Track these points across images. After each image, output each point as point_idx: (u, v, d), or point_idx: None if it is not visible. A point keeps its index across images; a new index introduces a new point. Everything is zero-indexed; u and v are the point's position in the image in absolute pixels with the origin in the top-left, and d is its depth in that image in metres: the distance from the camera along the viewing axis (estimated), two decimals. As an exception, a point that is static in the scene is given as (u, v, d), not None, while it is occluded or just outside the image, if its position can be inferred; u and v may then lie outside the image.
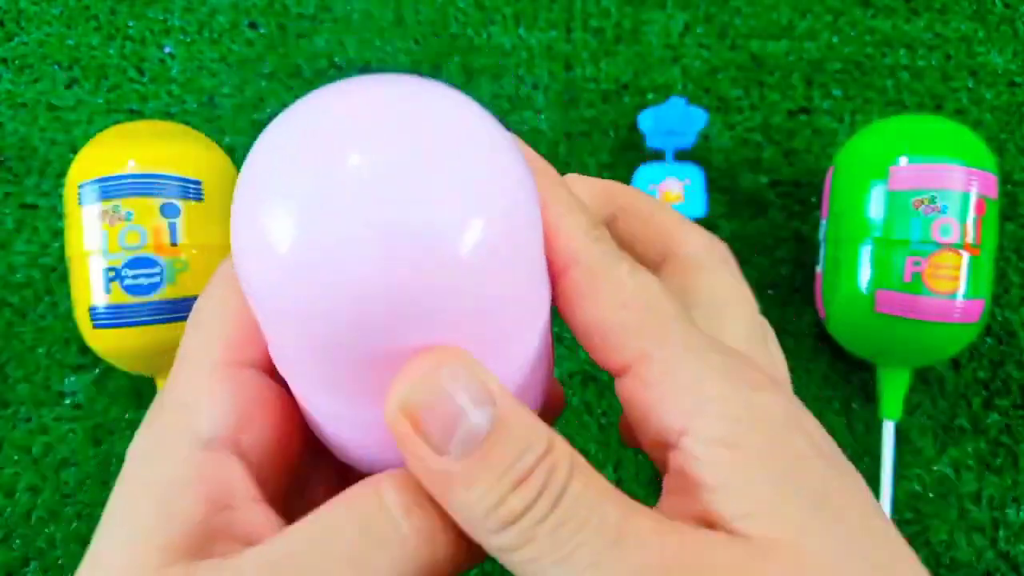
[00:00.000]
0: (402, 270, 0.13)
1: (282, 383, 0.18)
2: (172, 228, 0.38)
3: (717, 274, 0.21)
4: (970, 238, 0.38)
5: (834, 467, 0.16)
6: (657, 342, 0.16)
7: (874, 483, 0.44)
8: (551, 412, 0.24)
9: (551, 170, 0.19)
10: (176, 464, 0.16)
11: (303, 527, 0.15)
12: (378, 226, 0.13)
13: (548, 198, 0.18)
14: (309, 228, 0.13)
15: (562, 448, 0.15)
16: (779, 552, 0.14)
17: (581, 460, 0.15)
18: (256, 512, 0.16)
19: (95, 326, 0.38)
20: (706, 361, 0.16)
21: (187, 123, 0.47)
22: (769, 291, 0.48)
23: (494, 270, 0.14)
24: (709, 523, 0.15)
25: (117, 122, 0.45)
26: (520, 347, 0.17)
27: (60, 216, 0.47)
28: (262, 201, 0.14)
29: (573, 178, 0.23)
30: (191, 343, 0.18)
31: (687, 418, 0.16)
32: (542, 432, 0.15)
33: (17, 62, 0.49)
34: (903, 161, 0.39)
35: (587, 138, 0.50)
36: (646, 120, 0.46)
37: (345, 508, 0.16)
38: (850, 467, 0.16)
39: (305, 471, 0.20)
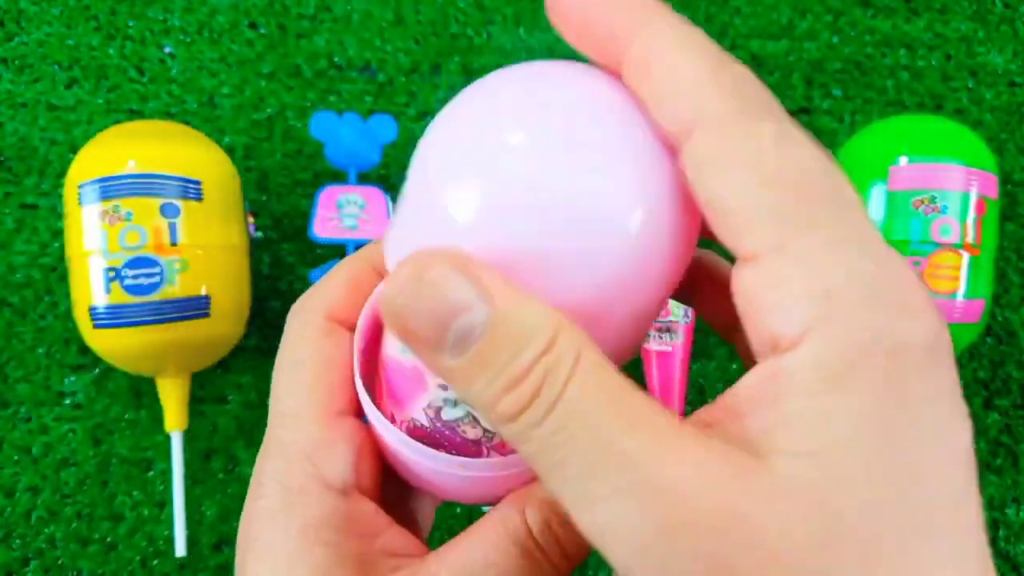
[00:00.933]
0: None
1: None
2: (172, 228, 0.38)
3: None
4: (970, 238, 0.38)
5: (936, 428, 0.14)
6: (797, 232, 0.14)
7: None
8: None
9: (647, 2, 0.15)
10: (323, 510, 0.18)
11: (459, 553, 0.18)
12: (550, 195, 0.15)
13: (654, 39, 0.15)
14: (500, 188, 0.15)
15: (566, 344, 0.14)
16: (798, 497, 0.13)
17: (590, 357, 0.14)
18: (397, 535, 0.19)
19: (95, 326, 0.38)
20: (852, 267, 0.13)
21: (187, 123, 0.47)
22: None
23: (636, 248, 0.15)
24: (754, 448, 0.14)
25: (117, 122, 0.45)
26: (631, 329, 0.17)
27: (60, 216, 0.47)
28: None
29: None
30: (294, 397, 0.20)
31: (801, 333, 0.13)
32: (544, 327, 0.14)
33: (17, 62, 0.49)
34: (903, 161, 0.39)
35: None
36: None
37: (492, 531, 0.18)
38: (959, 426, 0.14)
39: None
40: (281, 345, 0.20)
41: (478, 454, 0.18)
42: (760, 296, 0.14)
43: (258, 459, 0.19)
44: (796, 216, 0.14)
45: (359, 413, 0.20)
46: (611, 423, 0.14)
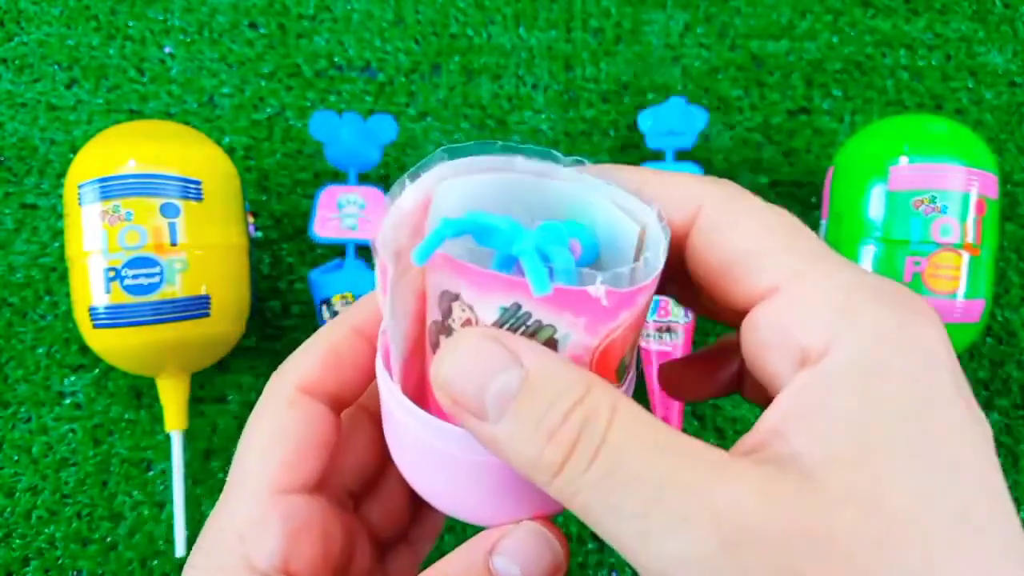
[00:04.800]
0: None
1: (331, 496, 0.20)
2: (172, 228, 0.38)
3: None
4: (970, 238, 0.38)
5: (963, 419, 0.15)
6: (810, 260, 0.16)
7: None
8: None
9: (623, 169, 0.19)
10: None
11: None
12: None
13: (643, 176, 0.18)
14: None
15: (601, 395, 0.15)
16: (854, 502, 0.14)
17: (625, 406, 0.15)
18: None
19: (95, 326, 0.38)
20: (862, 282, 0.16)
21: (187, 123, 0.47)
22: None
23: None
24: (803, 463, 0.14)
25: (117, 122, 0.45)
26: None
27: (60, 216, 0.47)
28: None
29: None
30: (245, 466, 0.20)
31: (829, 340, 0.15)
32: (577, 381, 0.15)
33: (17, 62, 0.49)
34: (903, 161, 0.39)
35: (587, 138, 0.50)
36: (646, 120, 0.46)
37: None
38: (980, 417, 0.15)
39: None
40: (254, 409, 0.20)
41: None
42: (785, 320, 0.16)
43: (207, 521, 0.20)
44: (805, 250, 0.16)
45: (316, 489, 0.20)
46: (665, 460, 0.14)
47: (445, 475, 0.19)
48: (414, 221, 0.18)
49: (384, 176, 0.49)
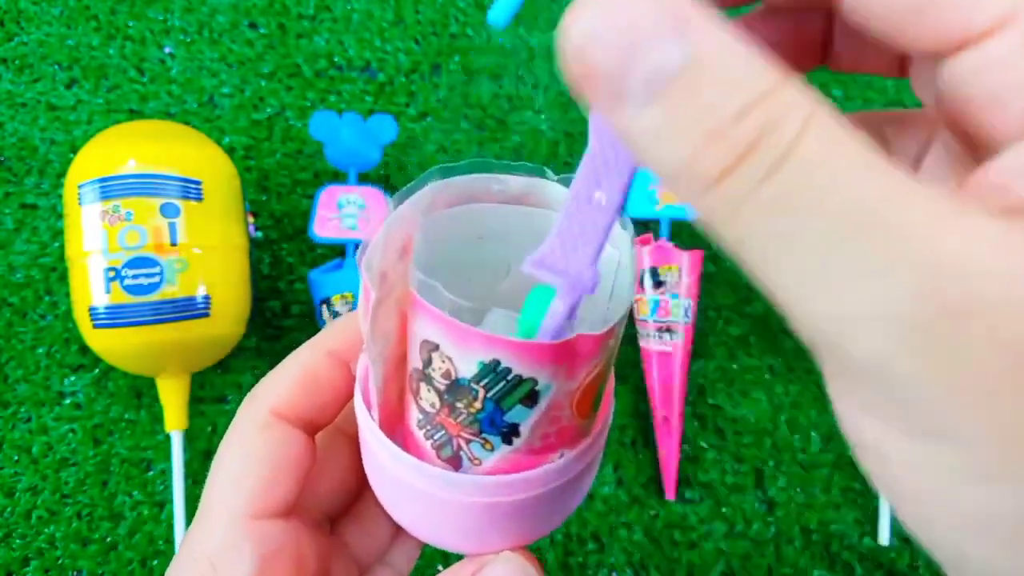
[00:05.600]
0: None
1: (305, 522, 0.20)
2: (172, 228, 0.38)
3: None
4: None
5: None
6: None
7: (874, 483, 0.44)
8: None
9: None
10: None
11: None
12: None
13: None
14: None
15: (795, 95, 0.11)
16: None
17: (828, 113, 0.11)
18: None
19: (95, 326, 0.38)
20: None
21: (187, 123, 0.47)
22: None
23: None
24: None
25: (117, 122, 0.45)
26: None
27: (60, 216, 0.47)
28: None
29: None
30: (216, 491, 0.19)
31: None
32: (761, 72, 0.11)
33: (17, 62, 0.49)
34: (903, 161, 0.39)
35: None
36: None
37: None
38: None
39: None
40: (226, 432, 0.20)
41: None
42: (993, 78, 0.12)
43: (180, 545, 0.19)
44: None
45: (290, 513, 0.20)
46: (872, 188, 0.11)
47: (424, 510, 0.19)
48: (401, 243, 0.18)
49: (384, 176, 0.49)
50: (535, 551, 0.43)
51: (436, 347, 0.17)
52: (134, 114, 0.49)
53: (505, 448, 0.18)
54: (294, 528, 0.19)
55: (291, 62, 0.50)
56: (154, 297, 0.37)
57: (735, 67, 0.11)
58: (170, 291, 0.37)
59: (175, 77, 0.49)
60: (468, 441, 0.18)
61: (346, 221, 0.44)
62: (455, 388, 0.17)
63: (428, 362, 0.17)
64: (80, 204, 0.37)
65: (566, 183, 0.18)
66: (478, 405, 0.17)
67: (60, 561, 0.43)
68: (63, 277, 0.46)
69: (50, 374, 0.45)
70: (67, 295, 0.45)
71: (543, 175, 0.19)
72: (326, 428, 0.22)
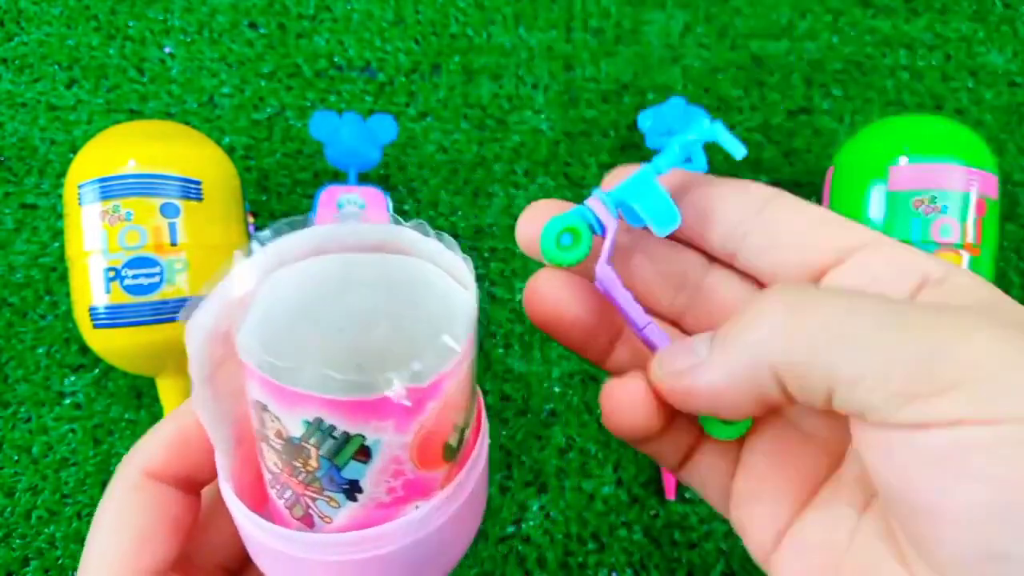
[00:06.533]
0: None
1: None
2: (172, 228, 0.38)
3: None
4: (970, 238, 0.38)
5: None
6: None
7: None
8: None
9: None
10: None
11: None
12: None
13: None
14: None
15: None
16: None
17: None
18: None
19: (95, 326, 0.38)
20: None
21: (187, 123, 0.47)
22: (769, 291, 0.48)
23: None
24: None
25: (117, 122, 0.45)
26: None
27: (60, 216, 0.47)
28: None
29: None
30: (92, 551, 0.19)
31: None
32: None
33: (17, 62, 0.49)
34: (903, 161, 0.39)
35: (587, 138, 0.50)
36: (646, 120, 0.46)
37: None
38: None
39: None
40: (103, 495, 0.20)
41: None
42: None
43: None
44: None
45: (175, 570, 0.20)
46: None
47: (292, 571, 0.19)
48: (242, 306, 0.18)
49: (384, 176, 0.49)
50: (533, 546, 0.43)
51: (264, 407, 0.17)
52: (134, 114, 0.49)
53: (351, 504, 0.17)
54: None
55: (291, 62, 0.50)
56: (154, 297, 0.37)
57: None
58: (170, 291, 0.37)
59: (175, 77, 0.49)
60: (314, 499, 0.17)
61: (346, 221, 0.44)
62: (290, 447, 0.17)
63: (262, 423, 0.17)
64: (80, 204, 0.37)
65: (422, 229, 0.19)
66: (314, 464, 0.16)
67: (60, 561, 0.43)
68: (63, 277, 0.46)
69: (50, 374, 0.45)
70: (67, 295, 0.45)
71: (396, 222, 0.19)
72: (215, 482, 0.22)
